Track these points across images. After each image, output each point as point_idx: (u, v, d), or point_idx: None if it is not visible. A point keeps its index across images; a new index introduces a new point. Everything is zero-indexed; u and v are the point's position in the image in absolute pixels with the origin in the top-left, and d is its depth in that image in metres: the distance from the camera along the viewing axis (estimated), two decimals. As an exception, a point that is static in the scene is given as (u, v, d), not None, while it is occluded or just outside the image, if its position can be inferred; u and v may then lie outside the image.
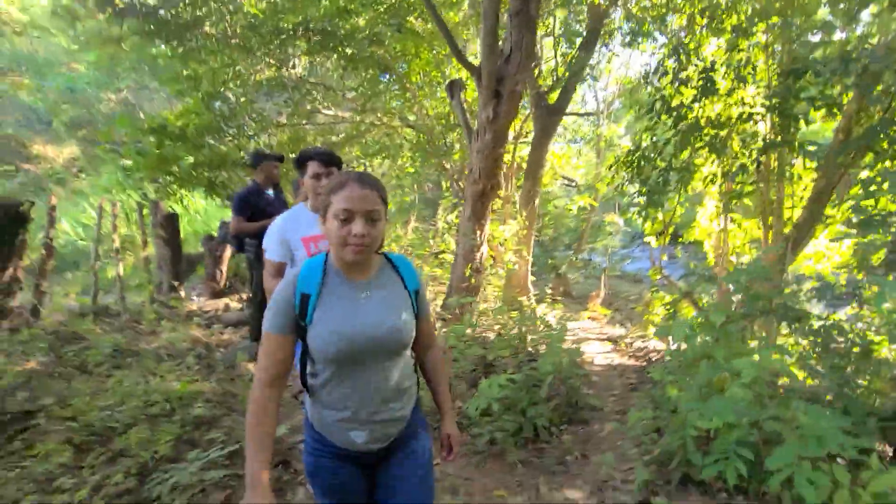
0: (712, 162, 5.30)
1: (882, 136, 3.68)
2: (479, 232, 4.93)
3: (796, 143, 4.40)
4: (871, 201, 3.54)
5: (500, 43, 4.43)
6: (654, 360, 4.89)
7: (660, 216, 5.85)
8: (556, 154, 9.76)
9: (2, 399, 2.71)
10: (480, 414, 2.89)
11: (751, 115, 4.73)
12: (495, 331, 4.58)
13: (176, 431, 2.57)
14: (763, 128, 5.09)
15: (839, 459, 2.10)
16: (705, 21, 5.30)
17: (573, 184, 12.20)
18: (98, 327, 4.43)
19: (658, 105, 4.78)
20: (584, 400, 3.58)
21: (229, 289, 6.42)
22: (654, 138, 5.25)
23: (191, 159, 6.48)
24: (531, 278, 7.48)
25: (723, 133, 4.82)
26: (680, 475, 2.48)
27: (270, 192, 3.80)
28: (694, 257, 10.95)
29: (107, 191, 9.54)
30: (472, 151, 4.82)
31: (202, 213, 10.56)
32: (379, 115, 7.62)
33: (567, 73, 6.91)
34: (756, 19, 5.00)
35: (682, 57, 4.88)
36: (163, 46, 6.25)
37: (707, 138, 4.78)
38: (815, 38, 5.14)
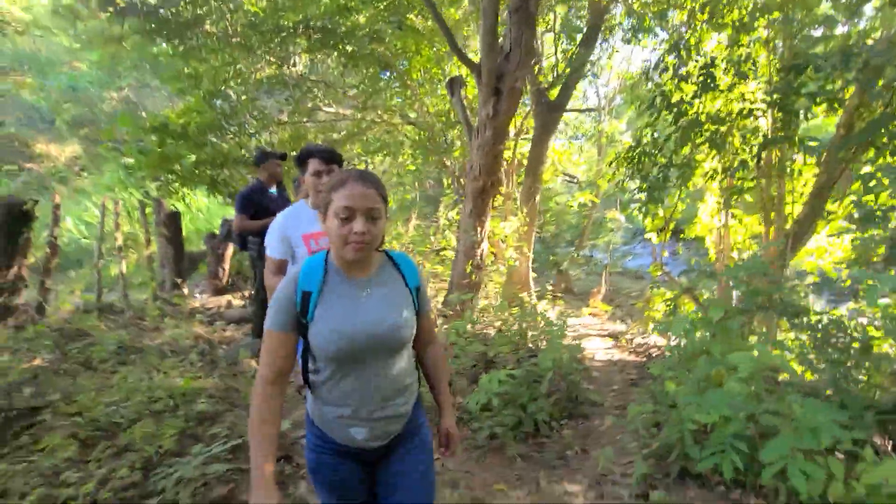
0: (713, 158, 5.30)
1: (883, 131, 3.68)
2: (479, 228, 4.94)
3: (796, 139, 4.39)
4: (872, 197, 3.54)
5: (500, 40, 4.43)
6: (654, 355, 4.91)
7: (660, 212, 5.86)
8: (558, 150, 9.76)
9: (8, 395, 2.75)
10: (481, 409, 2.92)
11: (751, 110, 4.72)
12: (496, 327, 4.60)
13: (180, 426, 2.60)
14: (764, 124, 5.08)
15: (837, 454, 2.12)
16: (706, 16, 5.28)
17: (574, 180, 12.20)
18: (102, 324, 4.47)
19: (658, 101, 4.78)
20: (585, 395, 3.61)
21: (232, 286, 6.46)
22: (656, 134, 5.25)
23: (192, 157, 6.51)
24: (532, 275, 7.49)
25: (723, 129, 4.81)
26: (678, 469, 2.50)
27: (274, 190, 3.83)
28: (695, 253, 10.95)
29: (109, 189, 9.58)
30: (473, 148, 4.83)
31: (204, 211, 10.61)
32: (380, 112, 7.63)
33: (567, 70, 6.90)
34: (757, 14, 4.99)
35: (683, 53, 4.87)
36: (164, 45, 6.27)
37: (707, 134, 4.77)
38: (817, 33, 5.12)
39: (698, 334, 2.63)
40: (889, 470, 1.54)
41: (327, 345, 1.14)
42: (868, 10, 5.10)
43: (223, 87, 6.76)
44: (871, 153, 4.09)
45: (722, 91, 4.90)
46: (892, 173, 3.28)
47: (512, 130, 7.28)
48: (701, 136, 4.79)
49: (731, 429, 1.95)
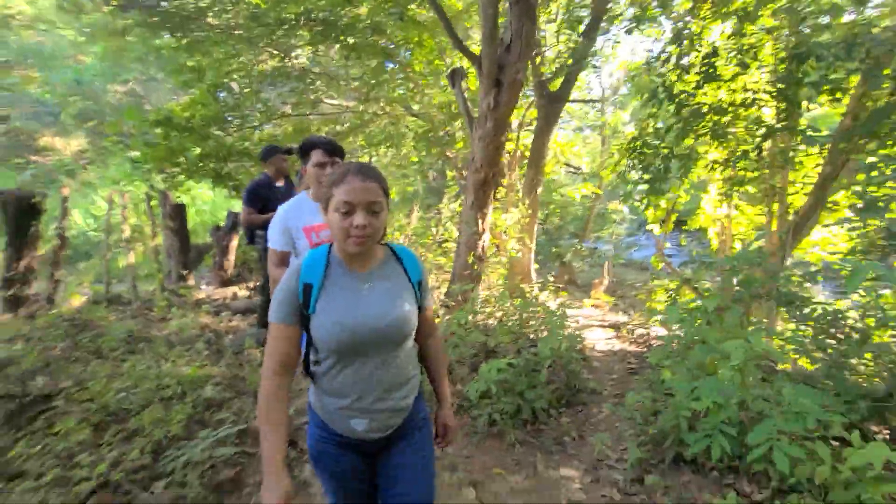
0: (716, 148, 5.28)
1: (884, 121, 3.66)
2: (481, 220, 4.97)
3: (799, 129, 4.38)
4: (874, 187, 3.54)
5: (501, 31, 4.43)
6: (654, 345, 4.94)
7: (662, 203, 5.86)
8: (560, 142, 9.72)
9: (23, 382, 2.84)
10: (480, 396, 2.98)
11: (754, 100, 4.70)
12: (497, 318, 4.65)
13: (187, 412, 2.69)
14: (768, 113, 5.05)
15: (833, 442, 2.16)
16: (709, 5, 5.23)
17: (578, 171, 12.16)
18: (111, 314, 4.57)
19: (660, 91, 4.76)
20: (584, 383, 3.66)
21: (237, 277, 6.55)
22: (661, 124, 5.23)
23: (197, 150, 6.57)
24: (535, 266, 7.52)
25: (725, 119, 4.79)
26: (673, 454, 2.56)
27: (281, 184, 3.89)
28: (699, 245, 10.92)
29: (115, 182, 9.68)
30: (474, 140, 4.85)
31: (209, 203, 10.70)
32: (382, 104, 7.64)
33: (570, 61, 6.87)
34: (761, 2, 4.93)
35: (686, 43, 4.84)
36: (167, 38, 6.30)
37: (710, 125, 4.76)
38: (824, 21, 5.05)
39: (697, 323, 2.67)
40: (873, 453, 1.58)
41: (329, 337, 1.16)
42: (877, -2, 5.03)
43: (226, 80, 6.79)
44: (873, 144, 4.07)
45: (725, 81, 4.87)
46: (893, 163, 3.28)
47: (514, 122, 7.27)
48: (703, 126, 4.77)
49: (722, 415, 2.00)
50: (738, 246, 6.61)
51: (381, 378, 1.21)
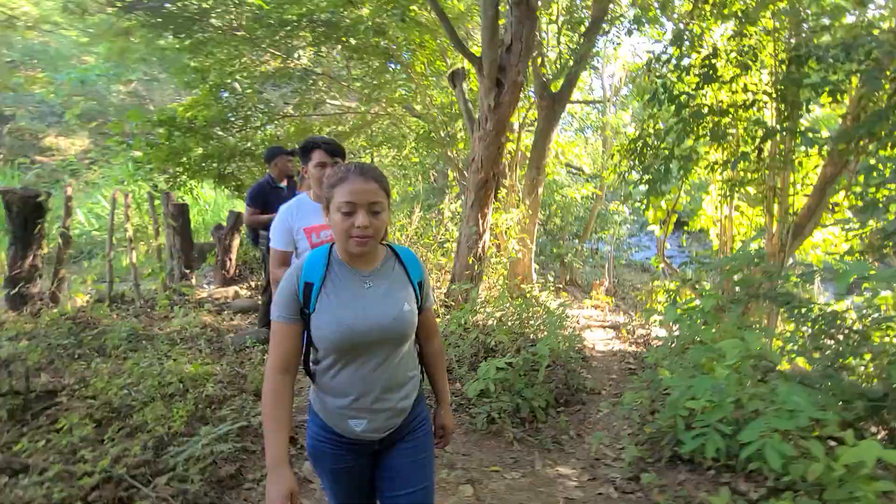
0: (716, 149, 5.29)
1: (883, 123, 3.67)
2: (481, 220, 5.00)
3: (798, 131, 4.39)
4: (873, 189, 3.55)
5: (502, 33, 4.45)
6: (654, 346, 4.96)
7: (662, 204, 5.88)
8: (561, 143, 9.74)
9: (27, 379, 2.87)
10: (479, 395, 3.01)
11: (754, 102, 4.71)
12: (497, 317, 4.67)
13: (189, 409, 2.71)
14: (768, 114, 5.06)
15: (831, 441, 2.17)
16: (710, 7, 5.24)
17: (578, 172, 12.17)
18: (114, 313, 4.61)
19: (660, 92, 4.78)
20: (582, 383, 3.68)
21: (238, 277, 6.59)
22: (663, 124, 5.24)
23: (200, 151, 6.61)
24: (535, 267, 7.53)
25: (725, 120, 4.81)
26: (670, 453, 2.58)
27: (284, 185, 3.94)
28: (700, 245, 10.92)
29: (119, 182, 9.74)
30: (475, 140, 4.88)
31: (211, 203, 10.75)
32: (384, 104, 7.67)
33: (571, 61, 6.89)
34: (761, 4, 4.94)
35: (686, 44, 4.86)
36: (170, 38, 6.35)
37: (710, 126, 4.77)
38: (825, 22, 5.05)
39: (698, 322, 2.68)
40: (865, 451, 1.59)
41: (328, 335, 1.16)
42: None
43: (229, 81, 6.83)
44: (872, 145, 4.08)
45: (725, 82, 4.88)
46: (892, 164, 3.28)
47: (515, 123, 7.29)
48: (703, 127, 4.79)
49: (717, 413, 2.01)
50: (738, 246, 6.62)
51: (381, 378, 1.21)
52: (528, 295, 5.49)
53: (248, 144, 7.10)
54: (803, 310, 2.59)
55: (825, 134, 5.35)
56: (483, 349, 3.79)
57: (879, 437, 2.47)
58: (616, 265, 11.14)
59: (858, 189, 4.79)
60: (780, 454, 1.50)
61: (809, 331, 2.68)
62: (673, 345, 2.92)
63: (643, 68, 6.26)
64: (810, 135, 4.22)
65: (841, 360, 2.39)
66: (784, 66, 4.65)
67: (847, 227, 4.40)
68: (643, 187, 5.29)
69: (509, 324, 4.14)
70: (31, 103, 13.50)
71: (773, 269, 2.88)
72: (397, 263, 1.30)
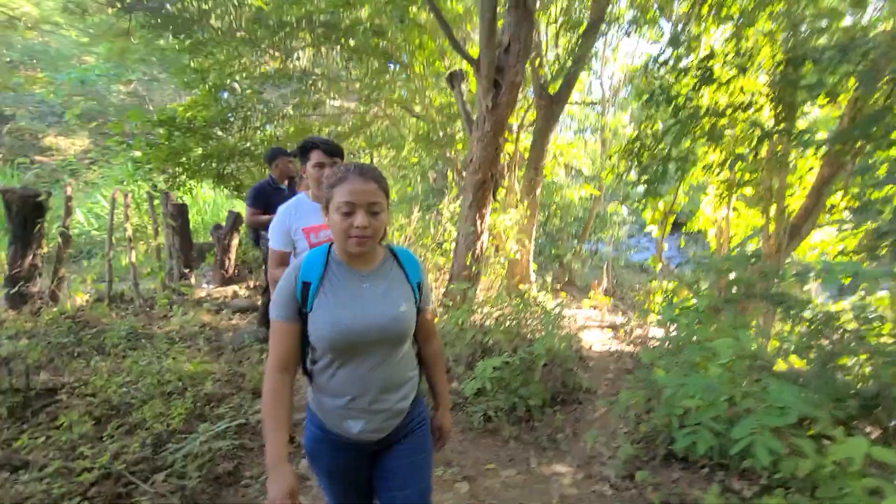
0: (714, 151, 5.32)
1: (879, 124, 3.70)
2: (479, 221, 5.01)
3: (794, 132, 4.42)
4: (870, 189, 3.58)
5: (500, 34, 4.47)
6: (651, 346, 4.98)
7: (660, 205, 5.90)
8: (560, 144, 9.76)
9: (28, 377, 2.89)
10: (475, 393, 3.03)
11: (750, 103, 4.74)
12: (494, 317, 4.69)
13: (187, 407, 2.74)
14: (766, 115, 5.09)
15: (825, 440, 2.19)
16: (708, 9, 5.27)
17: (578, 173, 12.19)
18: (114, 312, 4.63)
19: (657, 94, 4.81)
20: (579, 382, 3.70)
21: (237, 276, 6.61)
22: (661, 125, 5.27)
23: (199, 151, 6.63)
24: (533, 267, 7.55)
25: (722, 122, 4.83)
26: (664, 451, 2.60)
27: (285, 186, 3.96)
28: (699, 246, 10.94)
29: (118, 182, 9.76)
30: (472, 141, 4.90)
31: (210, 203, 10.77)
32: (383, 105, 7.69)
33: (569, 62, 6.91)
34: (759, 5, 4.96)
35: (683, 47, 4.89)
36: (170, 39, 6.37)
37: (707, 127, 4.80)
38: (822, 25, 5.08)
39: (694, 321, 2.70)
40: (854, 448, 1.62)
41: (325, 335, 1.16)
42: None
43: (229, 81, 6.85)
44: (869, 146, 4.11)
45: (722, 84, 4.91)
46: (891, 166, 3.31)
47: (514, 124, 7.31)
48: (700, 129, 4.82)
49: (710, 412, 2.04)
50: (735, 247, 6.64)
51: (379, 378, 1.21)
52: (525, 295, 5.50)
53: (248, 144, 7.12)
54: (798, 310, 2.61)
55: (822, 135, 5.37)
56: (480, 348, 3.81)
57: (874, 436, 2.49)
58: (615, 266, 11.16)
59: (855, 190, 4.82)
60: (769, 450, 1.52)
61: (804, 330, 2.71)
62: (669, 345, 2.94)
63: (641, 70, 6.29)
64: (807, 136, 4.25)
65: (836, 360, 2.41)
66: (781, 68, 4.69)
67: (842, 227, 4.43)
68: (641, 188, 5.32)
69: (507, 324, 4.16)
70: (31, 103, 13.51)
71: (769, 269, 2.90)
72: (396, 264, 1.30)
